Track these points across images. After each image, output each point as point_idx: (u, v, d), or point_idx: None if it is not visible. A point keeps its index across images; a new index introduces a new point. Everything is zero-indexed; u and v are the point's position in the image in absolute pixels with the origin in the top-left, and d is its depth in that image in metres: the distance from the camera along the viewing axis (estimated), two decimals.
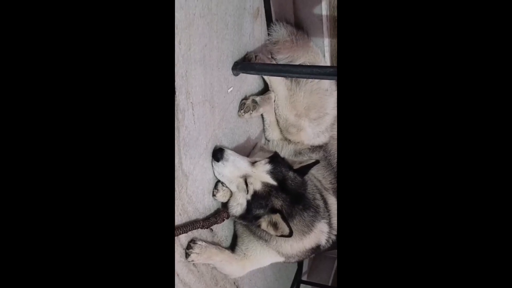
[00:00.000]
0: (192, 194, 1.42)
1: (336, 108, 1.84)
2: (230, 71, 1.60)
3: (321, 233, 1.65)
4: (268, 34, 1.88)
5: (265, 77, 1.81)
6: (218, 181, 1.56)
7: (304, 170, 1.60)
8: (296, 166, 1.59)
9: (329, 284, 3.08)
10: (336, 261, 3.21)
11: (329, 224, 1.68)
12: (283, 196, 1.50)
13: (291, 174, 1.55)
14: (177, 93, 1.24)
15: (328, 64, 1.98)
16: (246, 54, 1.69)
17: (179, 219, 1.38)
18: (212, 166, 1.52)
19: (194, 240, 1.47)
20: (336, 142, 1.88)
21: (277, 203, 1.50)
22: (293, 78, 1.80)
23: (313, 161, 1.62)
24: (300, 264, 2.66)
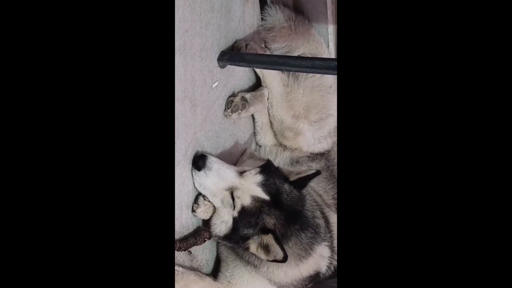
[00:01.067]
0: None
1: None
2: (216, 63, 1.58)
3: (321, 258, 1.63)
4: (262, 19, 1.88)
5: (257, 71, 1.80)
6: (199, 194, 1.54)
7: (302, 182, 1.58)
8: (292, 178, 1.57)
9: None
10: None
11: (331, 248, 1.66)
12: (277, 213, 1.48)
13: (286, 187, 1.54)
14: None
15: (333, 56, 1.97)
16: (235, 43, 1.68)
17: None
18: (192, 176, 1.50)
19: None
20: None
21: (270, 221, 1.48)
22: (291, 72, 1.78)
23: (313, 171, 1.60)
24: None
